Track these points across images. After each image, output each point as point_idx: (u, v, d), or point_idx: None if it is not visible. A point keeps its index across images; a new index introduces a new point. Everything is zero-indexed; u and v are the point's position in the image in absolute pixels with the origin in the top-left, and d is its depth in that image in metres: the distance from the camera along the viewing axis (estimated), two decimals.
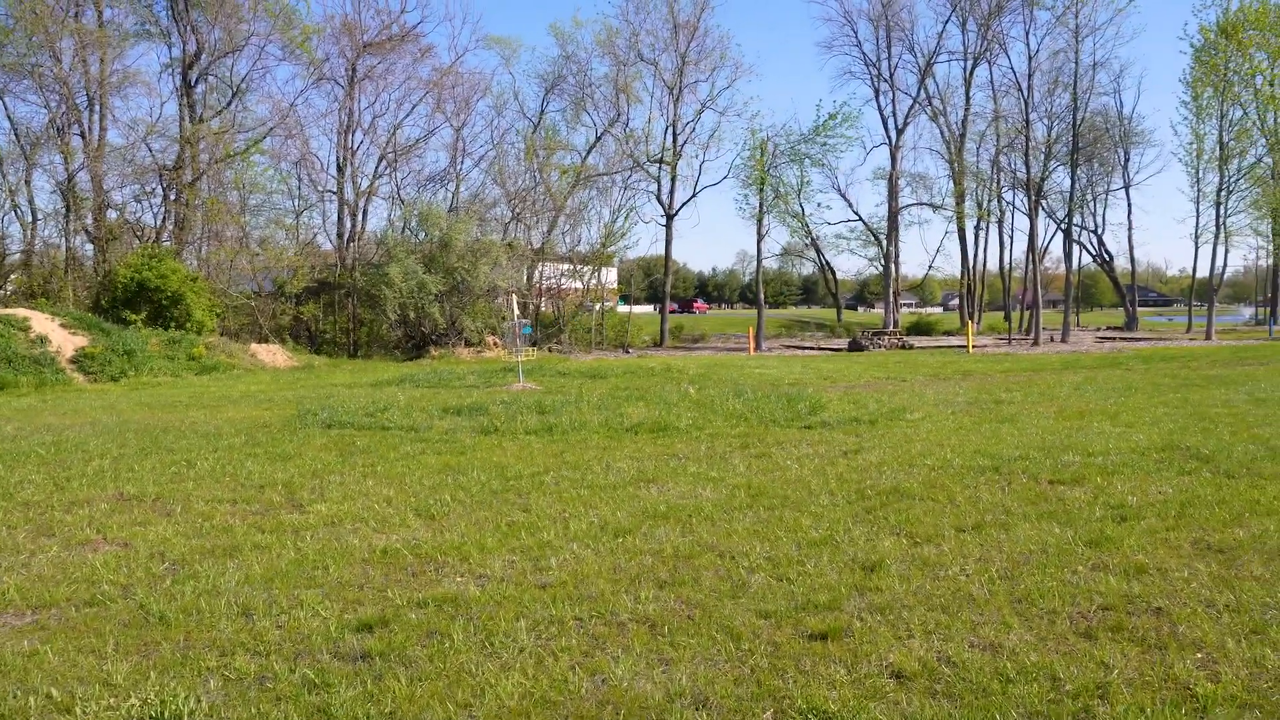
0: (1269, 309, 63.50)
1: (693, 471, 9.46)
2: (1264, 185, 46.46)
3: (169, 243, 34.94)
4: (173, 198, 35.80)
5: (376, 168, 41.64)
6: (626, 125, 47.67)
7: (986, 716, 4.02)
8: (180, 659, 4.73)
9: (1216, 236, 47.42)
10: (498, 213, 43.71)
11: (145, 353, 25.56)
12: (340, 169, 40.24)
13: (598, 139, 46.99)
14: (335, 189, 40.54)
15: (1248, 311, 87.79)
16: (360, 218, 40.78)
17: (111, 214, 35.15)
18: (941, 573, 5.92)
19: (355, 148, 40.86)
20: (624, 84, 46.84)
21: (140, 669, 4.62)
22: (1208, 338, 45.81)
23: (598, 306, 46.49)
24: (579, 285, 45.96)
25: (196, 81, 36.53)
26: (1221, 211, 46.83)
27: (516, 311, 22.78)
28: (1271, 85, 44.97)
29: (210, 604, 5.52)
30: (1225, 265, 54.23)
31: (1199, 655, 4.60)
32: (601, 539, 6.85)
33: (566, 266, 45.17)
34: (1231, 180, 46.59)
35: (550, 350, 38.80)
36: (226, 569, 6.23)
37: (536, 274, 43.51)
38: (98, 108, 34.35)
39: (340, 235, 40.14)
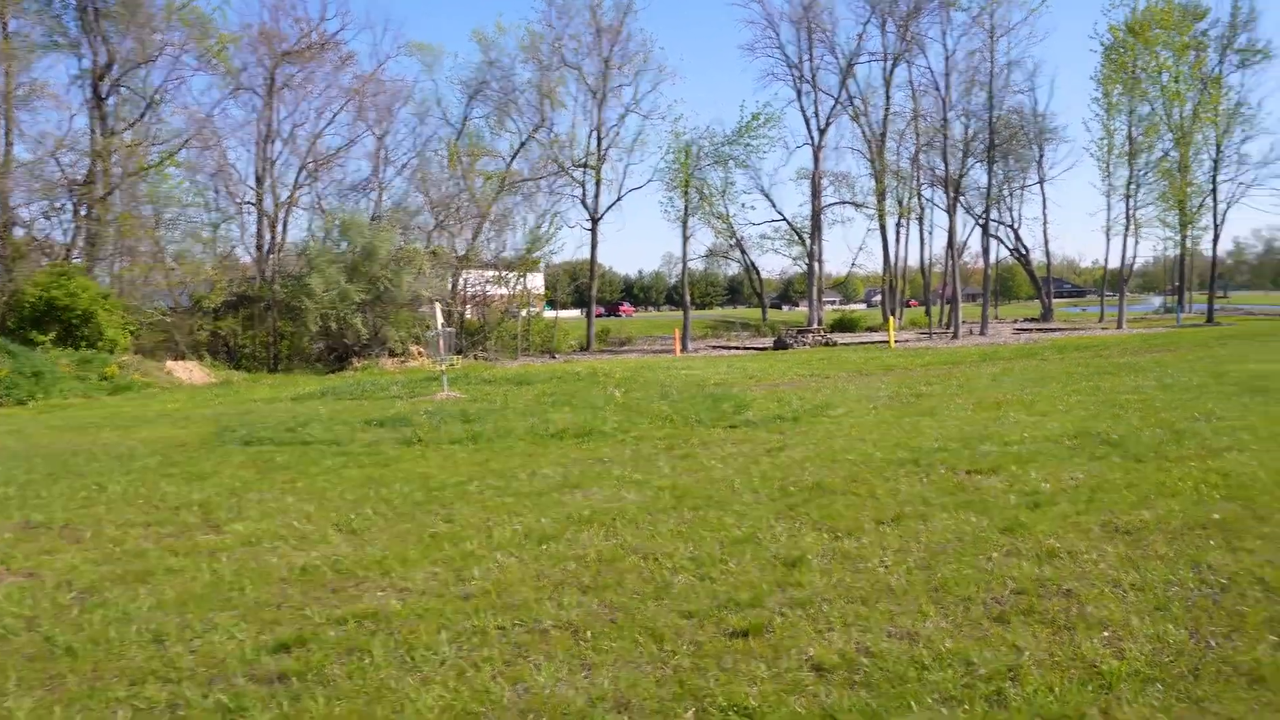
0: (1176, 297, 65.82)
1: (618, 475, 9.46)
2: (1170, 178, 48.12)
3: (79, 260, 33.81)
4: (83, 213, 34.68)
5: (297, 178, 40.89)
6: (551, 130, 47.59)
7: (902, 704, 4.10)
8: (88, 691, 4.58)
9: (1127, 228, 49.05)
10: (421, 220, 43.27)
11: (55, 374, 24.69)
12: (259, 180, 39.45)
13: (522, 145, 46.80)
14: (254, 200, 39.74)
15: (1157, 300, 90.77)
16: (280, 229, 40.01)
17: (18, 231, 33.88)
18: (861, 565, 6.01)
19: (274, 158, 40.10)
20: (548, 89, 46.73)
21: (44, 704, 4.46)
22: (1119, 327, 47.32)
23: (524, 312, 46.26)
24: (505, 291, 45.68)
25: (108, 93, 35.44)
26: (1131, 204, 48.46)
27: (440, 320, 22.53)
28: (1176, 81, 46.65)
29: (120, 632, 5.35)
30: (1135, 256, 55.98)
31: (1105, 634, 4.74)
32: (525, 547, 6.81)
33: (492, 273, 44.88)
34: (1140, 174, 48.25)
35: (476, 358, 38.47)
36: (138, 595, 6.04)
37: (461, 281, 43.14)
38: (3, 122, 33.11)
39: (260, 247, 39.30)
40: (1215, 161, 49.23)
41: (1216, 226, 50.83)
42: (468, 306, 43.97)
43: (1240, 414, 11.60)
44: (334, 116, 41.78)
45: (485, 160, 46.15)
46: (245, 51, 39.39)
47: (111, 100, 35.75)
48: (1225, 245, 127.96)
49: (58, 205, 34.95)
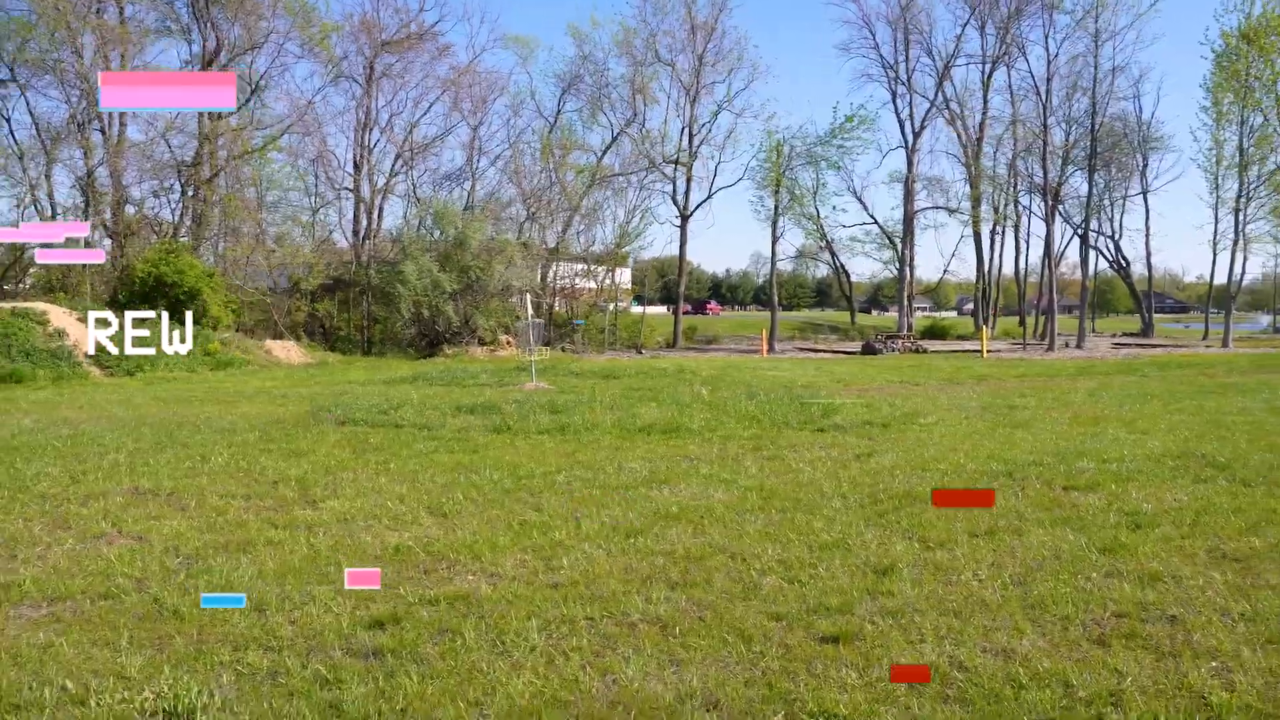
0: None
1: (705, 473, 9.46)
2: None
3: (186, 238, 35.18)
4: (190, 194, 36.04)
5: (393, 165, 41.91)
6: (643, 126, 47.80)
7: None
8: (194, 653, 4.75)
9: (1235, 243, 47.18)
10: (513, 212, 43.93)
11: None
12: (357, 166, 40.50)
13: (614, 139, 47.09)
14: (351, 186, 40.79)
15: (1266, 319, 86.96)
16: (376, 215, 41.03)
17: (130, 209, 35.43)
18: (954, 577, 5.90)
19: (372, 145, 41.15)
20: (641, 84, 46.91)
21: (154, 662, 4.64)
22: (1225, 345, 45.45)
23: (611, 307, 46.55)
24: (593, 285, 46.05)
25: None
26: (1241, 218, 46.56)
27: (530, 311, 22.83)
28: None
29: None
30: (1244, 272, 53.63)
31: (1214, 664, 4.56)
32: (613, 539, 6.86)
33: (581, 266, 45.28)
34: (1251, 187, 46.30)
35: (563, 350, 38.86)
36: (240, 564, 6.25)
37: (551, 273, 43.61)
38: None
39: (356, 233, 40.38)
40: None
41: None
42: (557, 298, 44.45)
43: None
44: (430, 106, 42.74)
45: (577, 154, 46.64)
46: (346, 40, 40.60)
47: None
48: None
49: (167, 185, 36.49)
